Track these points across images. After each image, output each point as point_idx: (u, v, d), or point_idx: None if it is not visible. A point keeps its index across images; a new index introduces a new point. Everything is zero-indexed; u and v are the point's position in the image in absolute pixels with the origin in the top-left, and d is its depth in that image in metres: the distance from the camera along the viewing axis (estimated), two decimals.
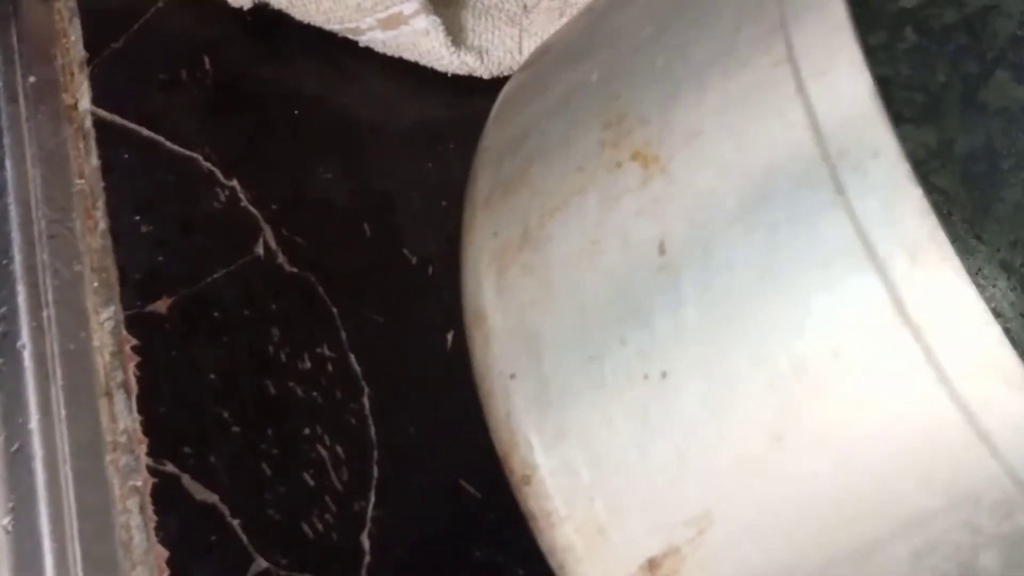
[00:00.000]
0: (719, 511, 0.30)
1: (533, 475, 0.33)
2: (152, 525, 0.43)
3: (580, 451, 0.32)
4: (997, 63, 0.48)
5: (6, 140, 0.53)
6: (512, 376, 0.34)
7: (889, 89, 0.49)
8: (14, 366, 0.47)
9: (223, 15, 0.57)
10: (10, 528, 0.43)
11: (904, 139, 0.48)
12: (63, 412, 0.46)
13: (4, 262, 0.50)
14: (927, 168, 0.51)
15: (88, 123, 0.53)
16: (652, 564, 0.31)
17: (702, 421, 0.29)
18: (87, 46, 0.56)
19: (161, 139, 0.53)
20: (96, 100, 0.54)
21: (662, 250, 0.30)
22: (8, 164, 0.52)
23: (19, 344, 0.47)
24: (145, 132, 0.53)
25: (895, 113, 0.50)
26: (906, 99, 0.50)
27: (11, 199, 0.51)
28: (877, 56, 0.49)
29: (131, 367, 0.47)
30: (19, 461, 0.45)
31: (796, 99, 0.28)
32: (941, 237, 0.25)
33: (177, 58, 0.56)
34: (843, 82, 0.27)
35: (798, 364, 0.28)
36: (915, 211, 0.26)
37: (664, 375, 0.30)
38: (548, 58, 0.40)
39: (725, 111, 0.30)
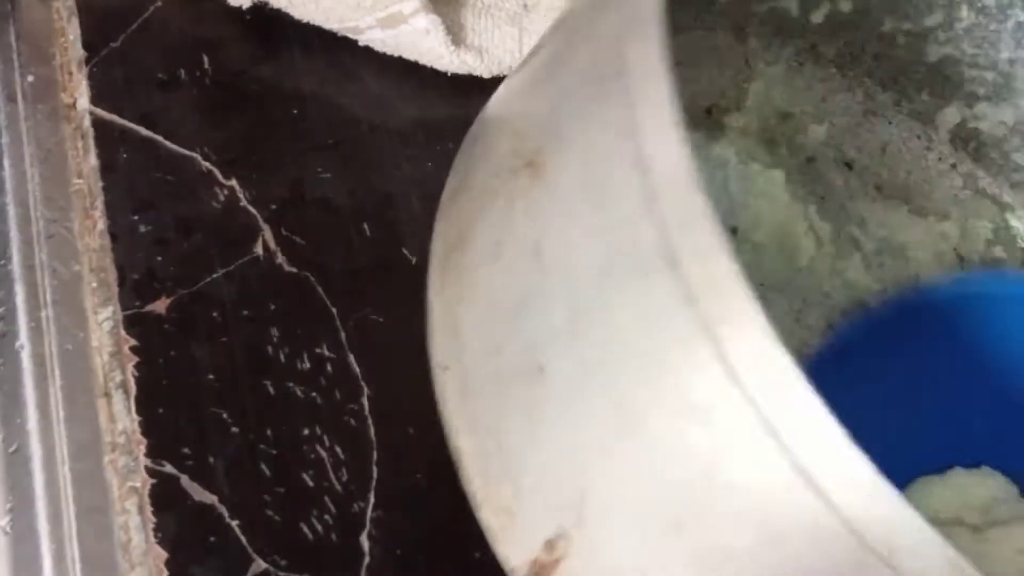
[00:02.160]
0: (590, 496, 0.31)
1: (460, 459, 0.36)
2: (151, 526, 0.43)
3: (490, 438, 0.35)
4: None
5: (4, 139, 0.53)
6: (445, 368, 0.37)
7: (958, 68, 0.51)
8: (12, 366, 0.47)
9: (222, 14, 0.57)
10: (8, 529, 0.43)
11: (980, 118, 0.49)
12: (61, 413, 0.45)
13: (2, 262, 0.50)
14: (1008, 146, 0.53)
15: (87, 122, 0.53)
16: (549, 545, 0.33)
17: (569, 411, 0.31)
18: (86, 45, 0.56)
19: (160, 139, 0.53)
20: (95, 99, 0.54)
21: (538, 252, 0.33)
22: (6, 164, 0.52)
23: (17, 344, 0.47)
24: (144, 132, 0.53)
25: (968, 92, 0.52)
26: (976, 78, 0.50)
27: (9, 199, 0.51)
28: (936, 36, 0.50)
29: (130, 367, 0.46)
30: (17, 462, 0.45)
31: (631, 140, 0.29)
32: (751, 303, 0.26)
33: (176, 57, 0.56)
34: (669, 151, 0.28)
35: (639, 362, 0.30)
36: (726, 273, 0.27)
37: (542, 368, 0.32)
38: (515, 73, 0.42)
39: (586, 128, 0.32)
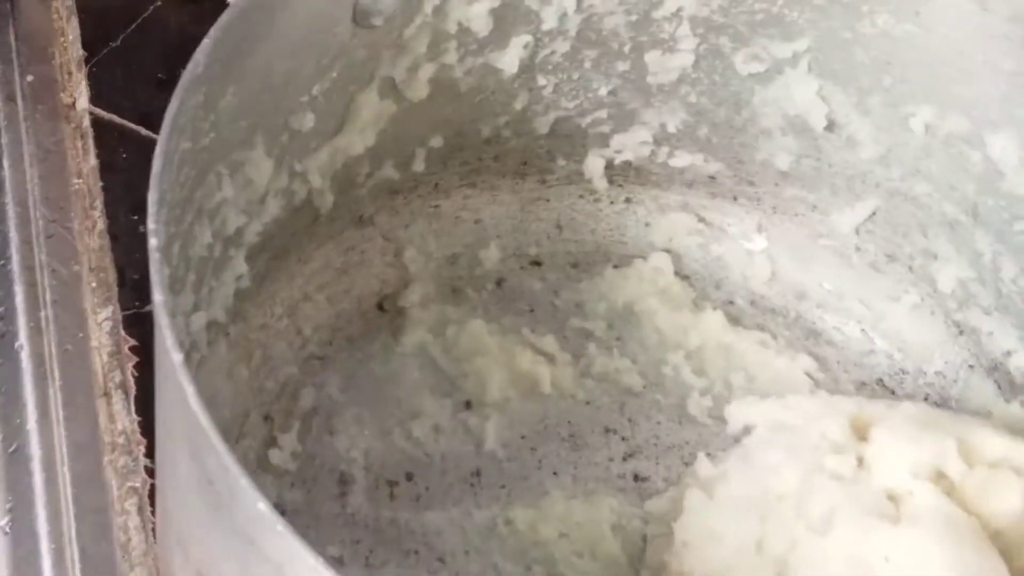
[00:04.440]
0: None
1: None
2: (150, 526, 0.43)
3: None
4: None
5: (4, 139, 0.53)
6: None
7: (574, 122, 0.52)
8: (12, 366, 0.47)
9: (221, 14, 0.57)
10: (8, 529, 0.43)
11: (621, 150, 0.52)
12: (61, 413, 0.45)
13: (2, 262, 0.49)
14: (661, 157, 0.53)
15: (86, 122, 0.53)
16: None
17: None
18: (85, 45, 0.56)
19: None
20: (94, 99, 0.54)
21: None
22: (6, 163, 0.52)
23: (17, 344, 0.47)
24: (143, 131, 0.53)
25: (596, 135, 0.52)
26: (593, 120, 0.51)
27: (9, 199, 0.51)
28: (535, 111, 0.50)
29: (129, 367, 0.46)
30: (17, 462, 0.45)
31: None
32: None
33: (175, 57, 0.55)
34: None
35: None
36: None
37: None
38: None
39: None
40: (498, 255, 0.53)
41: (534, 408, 0.49)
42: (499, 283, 0.53)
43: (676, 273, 0.53)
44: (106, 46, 0.56)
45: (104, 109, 0.54)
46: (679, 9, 0.47)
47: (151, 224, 0.33)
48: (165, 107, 0.54)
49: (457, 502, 0.46)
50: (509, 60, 0.48)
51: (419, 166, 0.50)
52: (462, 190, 0.53)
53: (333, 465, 0.46)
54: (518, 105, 0.50)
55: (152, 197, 0.34)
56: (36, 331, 0.47)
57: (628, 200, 0.54)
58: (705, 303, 0.53)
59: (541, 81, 0.49)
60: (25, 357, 0.47)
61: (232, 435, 0.45)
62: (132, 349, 0.47)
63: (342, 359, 0.49)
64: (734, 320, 0.52)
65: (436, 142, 0.50)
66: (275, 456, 0.46)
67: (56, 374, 0.46)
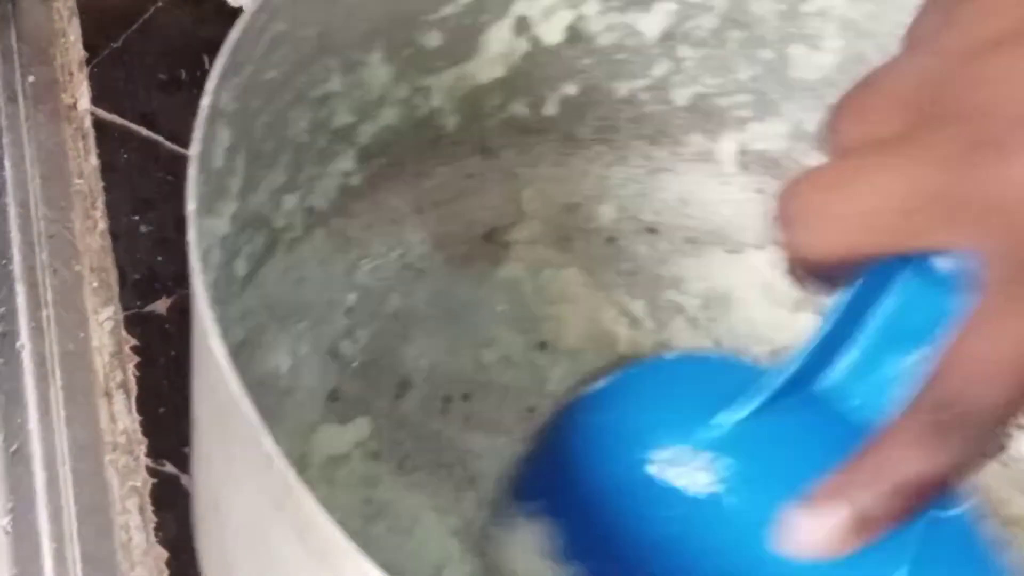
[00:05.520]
0: None
1: None
2: (152, 526, 0.43)
3: None
4: None
5: (5, 140, 0.53)
6: None
7: (712, 101, 0.51)
8: (13, 366, 0.47)
9: (222, 14, 0.57)
10: (9, 528, 0.43)
11: (757, 138, 0.51)
12: (62, 412, 0.46)
13: (3, 262, 0.50)
14: (796, 153, 0.52)
15: (87, 123, 0.53)
16: None
17: None
18: (86, 46, 0.56)
19: (160, 139, 0.53)
20: (95, 100, 0.54)
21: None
22: (7, 164, 0.52)
23: (18, 344, 0.47)
24: (144, 132, 0.53)
25: (735, 119, 0.52)
26: (733, 104, 0.51)
27: (10, 199, 0.51)
28: (673, 81, 0.50)
29: (130, 367, 0.47)
30: (18, 461, 0.45)
31: None
32: None
33: (176, 58, 0.56)
34: None
35: None
36: None
37: None
38: None
39: None
40: (615, 215, 0.53)
41: (605, 365, 0.49)
42: (609, 241, 0.53)
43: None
44: (107, 47, 0.56)
45: (105, 110, 0.54)
46: (828, 8, 0.47)
47: (211, 83, 0.34)
48: (166, 108, 0.55)
49: (506, 432, 0.47)
50: (651, 24, 0.48)
51: (551, 110, 0.50)
52: (595, 145, 0.52)
53: (397, 368, 0.47)
54: (657, 71, 0.50)
55: (220, 61, 0.35)
56: (37, 331, 0.48)
57: (759, 190, 0.53)
58: (808, 306, 0.51)
59: (683, 52, 0.49)
60: (26, 357, 0.47)
61: (313, 318, 0.46)
62: (133, 349, 0.47)
63: (436, 276, 0.50)
64: None
65: (570, 90, 0.50)
66: (346, 347, 0.47)
67: (57, 374, 0.47)
